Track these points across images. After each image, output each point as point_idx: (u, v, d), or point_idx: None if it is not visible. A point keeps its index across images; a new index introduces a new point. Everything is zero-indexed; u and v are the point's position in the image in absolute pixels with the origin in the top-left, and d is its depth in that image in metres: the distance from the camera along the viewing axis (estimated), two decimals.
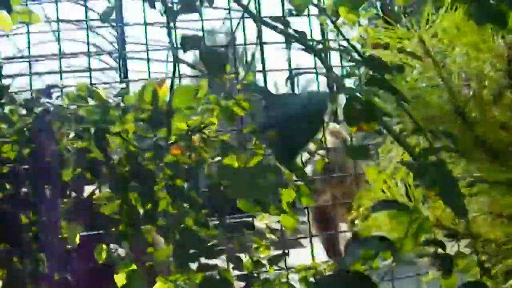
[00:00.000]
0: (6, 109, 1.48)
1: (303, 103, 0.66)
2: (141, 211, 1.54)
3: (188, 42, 1.17)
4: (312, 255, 2.06)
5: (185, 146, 1.57)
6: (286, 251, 1.73)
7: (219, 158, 1.53)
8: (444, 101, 1.52)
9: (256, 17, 1.14)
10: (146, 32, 2.04)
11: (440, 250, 1.14)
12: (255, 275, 1.50)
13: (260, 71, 1.96)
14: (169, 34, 1.41)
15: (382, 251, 0.75)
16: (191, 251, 1.38)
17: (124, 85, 1.93)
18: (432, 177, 0.84)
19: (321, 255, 2.12)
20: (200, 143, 1.61)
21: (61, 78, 2.06)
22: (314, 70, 2.35)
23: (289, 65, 3.03)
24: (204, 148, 1.59)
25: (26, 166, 1.43)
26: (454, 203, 0.83)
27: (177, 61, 1.40)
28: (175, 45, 1.44)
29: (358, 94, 0.99)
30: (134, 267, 1.65)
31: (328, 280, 0.82)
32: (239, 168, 1.46)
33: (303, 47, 1.09)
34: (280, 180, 1.02)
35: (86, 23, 2.23)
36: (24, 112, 1.47)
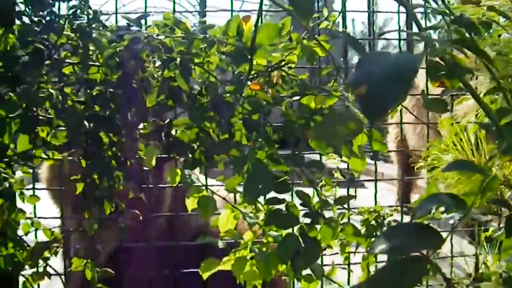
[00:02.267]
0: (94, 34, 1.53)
1: (395, 64, 0.68)
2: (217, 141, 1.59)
3: None
4: (375, 198, 2.10)
5: (264, 82, 1.60)
6: (353, 193, 1.77)
7: (297, 97, 1.56)
8: None
9: None
10: None
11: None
12: (321, 213, 1.54)
13: (339, 12, 1.94)
14: None
15: (454, 208, 0.78)
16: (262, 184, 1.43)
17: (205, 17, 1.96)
18: (508, 142, 0.86)
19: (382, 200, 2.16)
20: (279, 80, 1.65)
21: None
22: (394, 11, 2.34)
23: (368, 7, 2.99)
24: (282, 86, 1.62)
25: (111, 90, 1.49)
26: None
27: None
28: None
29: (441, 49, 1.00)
30: (205, 192, 1.72)
31: (398, 230, 0.86)
32: (317, 110, 1.49)
33: None
34: (359, 128, 1.05)
35: None
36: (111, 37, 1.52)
